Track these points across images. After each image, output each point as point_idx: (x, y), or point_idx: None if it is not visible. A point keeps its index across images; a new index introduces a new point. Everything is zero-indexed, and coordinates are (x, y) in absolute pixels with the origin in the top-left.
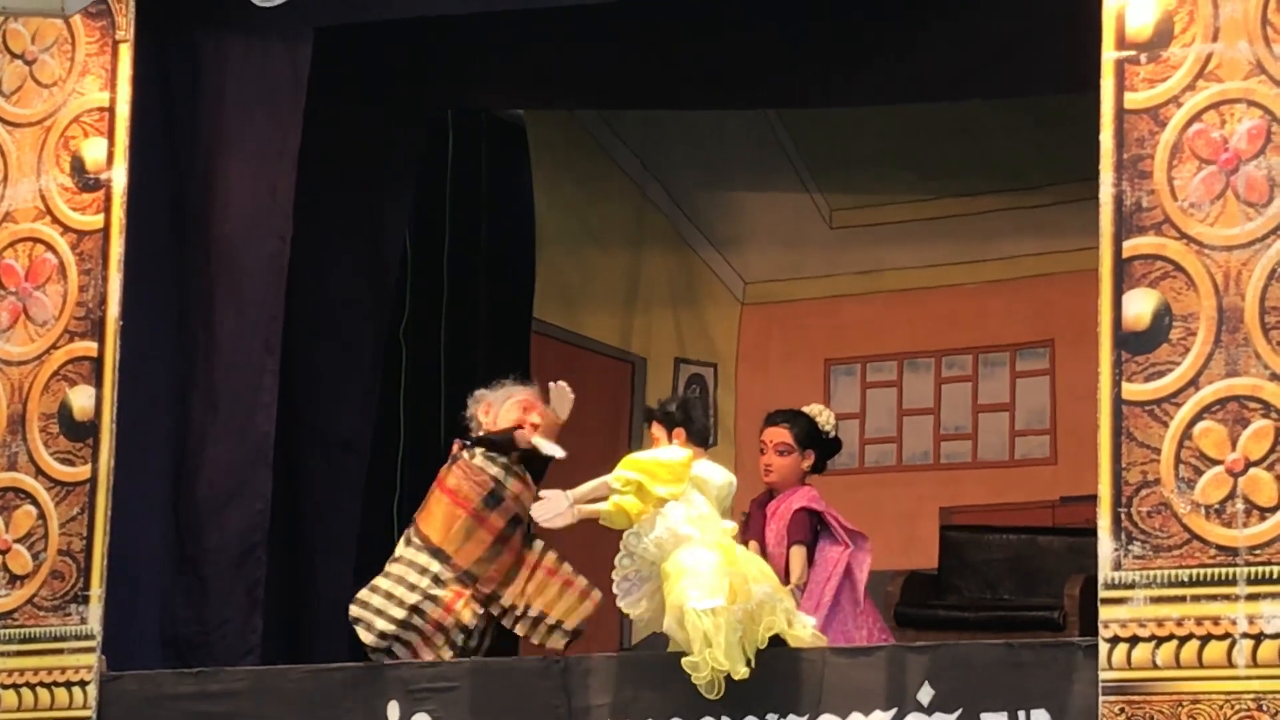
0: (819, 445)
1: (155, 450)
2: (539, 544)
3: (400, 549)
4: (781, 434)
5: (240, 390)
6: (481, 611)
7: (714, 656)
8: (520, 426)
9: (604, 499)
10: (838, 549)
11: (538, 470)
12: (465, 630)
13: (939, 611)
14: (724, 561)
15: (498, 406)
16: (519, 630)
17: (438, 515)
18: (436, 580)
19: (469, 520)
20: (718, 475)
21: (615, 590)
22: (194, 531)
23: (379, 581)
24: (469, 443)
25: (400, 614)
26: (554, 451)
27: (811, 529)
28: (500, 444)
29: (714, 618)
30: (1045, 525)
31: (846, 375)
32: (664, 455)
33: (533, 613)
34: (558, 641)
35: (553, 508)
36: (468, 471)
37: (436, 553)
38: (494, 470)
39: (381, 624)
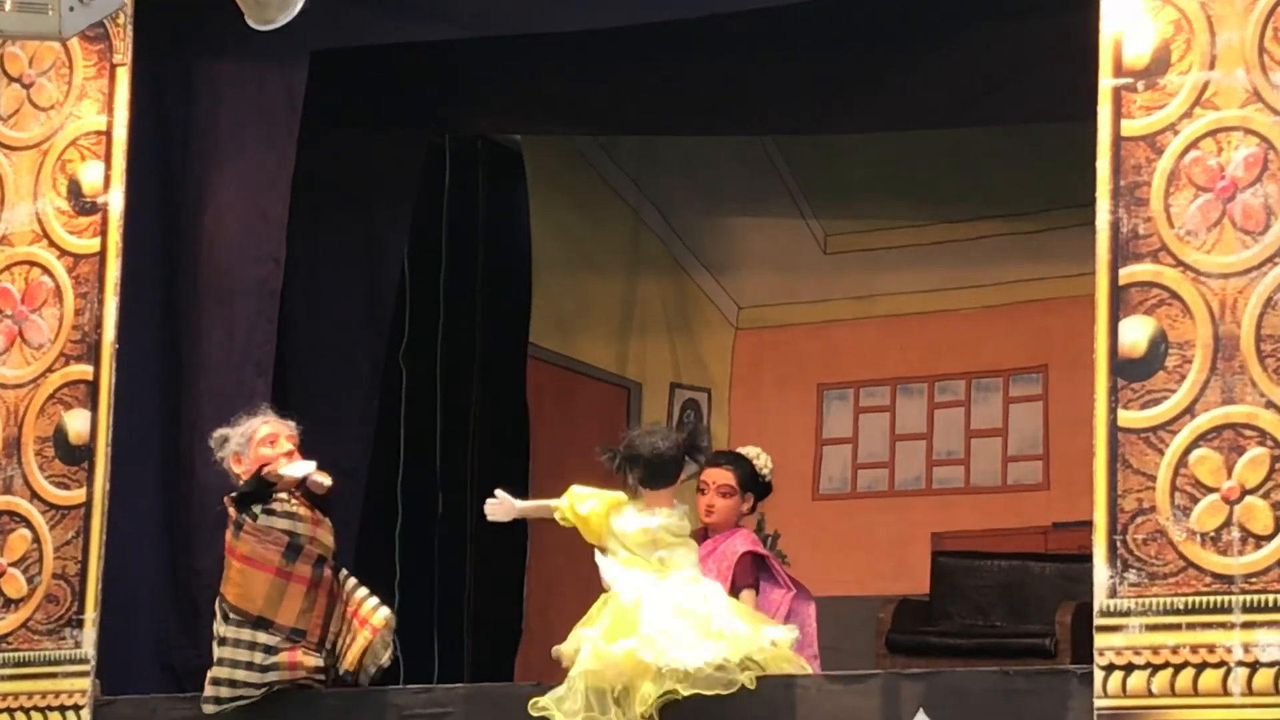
0: (757, 489)
1: (148, 473)
2: (343, 573)
3: (221, 629)
4: (725, 476)
5: (230, 413)
6: (322, 655)
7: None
8: (265, 464)
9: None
10: (780, 592)
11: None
12: (321, 670)
13: (930, 638)
14: (612, 624)
15: (245, 452)
16: (344, 668)
17: (245, 585)
18: (268, 649)
19: (276, 580)
20: (629, 525)
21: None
22: (186, 555)
23: (217, 672)
24: (236, 502)
25: (254, 693)
26: (297, 472)
27: (755, 573)
28: (258, 494)
29: (574, 683)
30: (1037, 551)
31: (839, 400)
32: (586, 507)
33: (339, 651)
34: (369, 675)
35: (503, 510)
36: (259, 535)
37: (258, 623)
38: (282, 524)
39: (244, 703)
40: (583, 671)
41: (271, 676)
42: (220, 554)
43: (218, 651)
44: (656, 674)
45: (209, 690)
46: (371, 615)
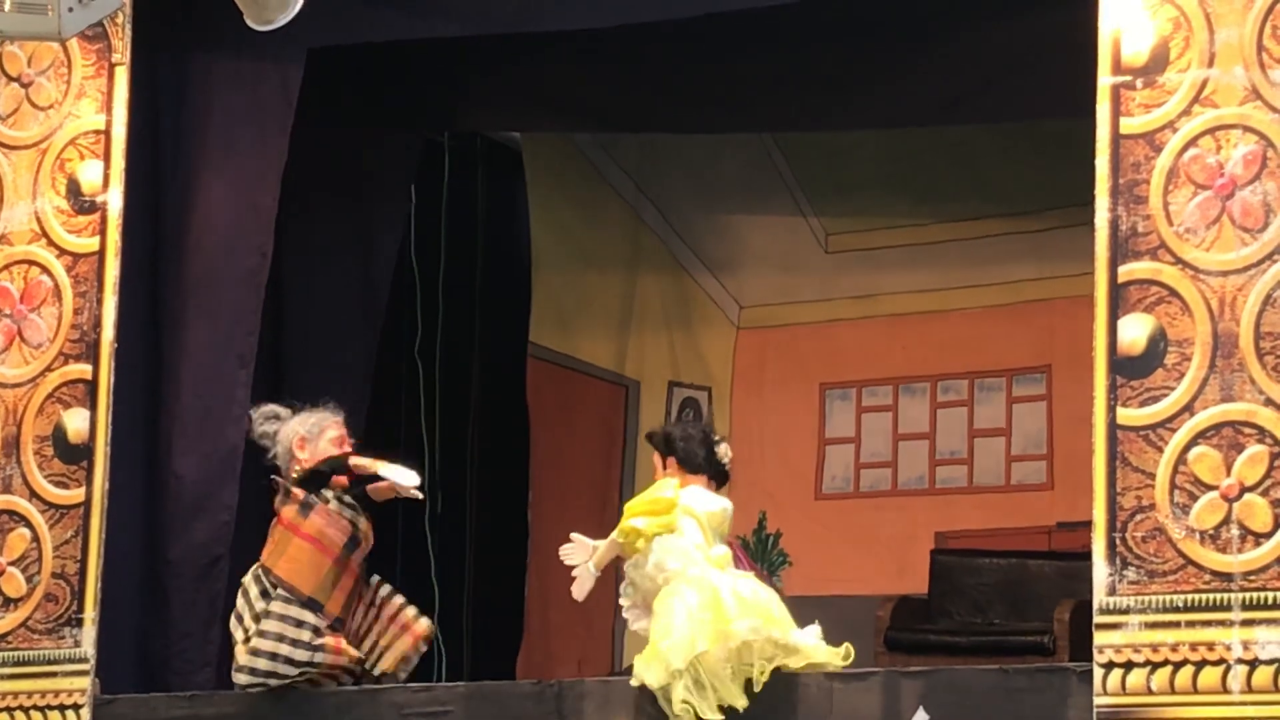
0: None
1: (132, 466)
2: (375, 579)
3: (258, 601)
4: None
5: (211, 403)
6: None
7: (697, 708)
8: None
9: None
10: None
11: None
12: (360, 663)
13: (929, 636)
14: (702, 604)
15: (314, 442)
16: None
17: (303, 563)
18: (316, 631)
19: (334, 568)
20: (708, 503)
21: (625, 616)
22: (160, 545)
23: (259, 643)
24: (306, 483)
25: (293, 672)
26: (408, 481)
27: None
28: (325, 478)
29: (694, 671)
30: (1040, 550)
31: (841, 399)
32: (651, 493)
33: (373, 651)
34: (396, 677)
35: (580, 555)
36: (329, 518)
37: (309, 603)
38: (349, 515)
39: (275, 683)
40: (703, 654)
41: (319, 657)
42: (192, 542)
43: (257, 625)
44: (778, 649)
45: (244, 660)
46: (414, 623)
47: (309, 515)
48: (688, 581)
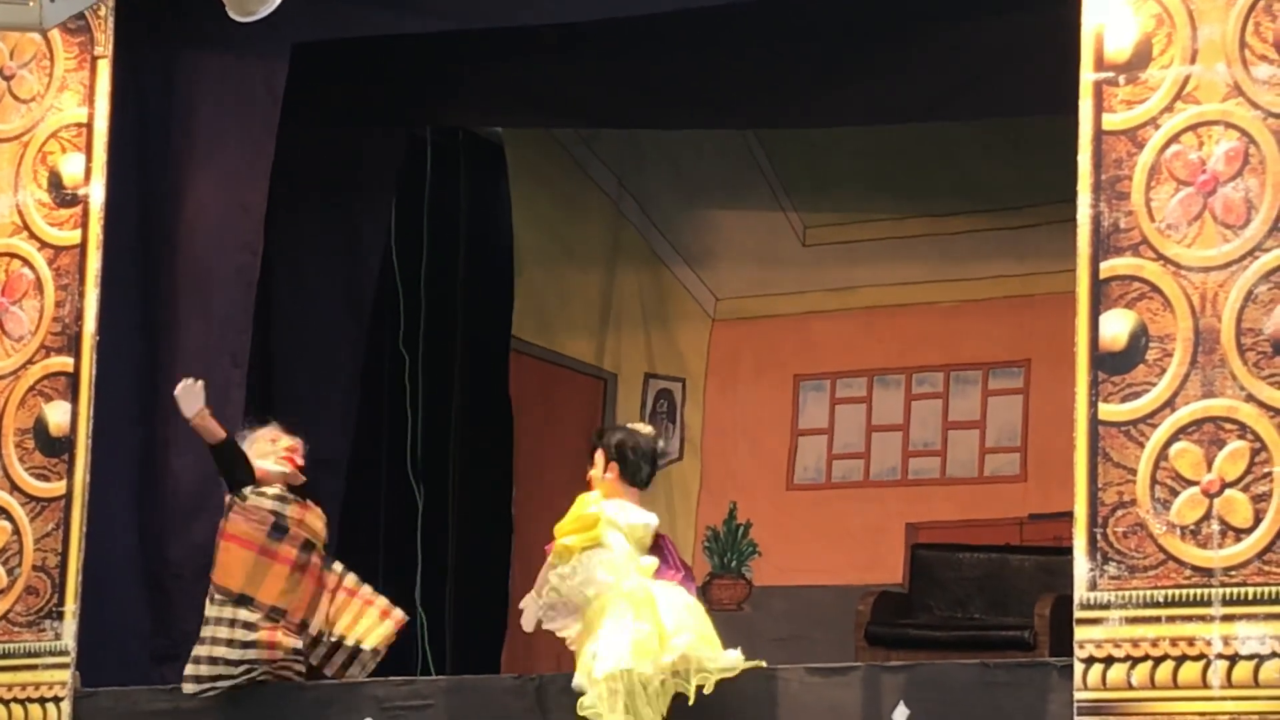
0: None
1: (124, 464)
2: (338, 566)
3: (207, 609)
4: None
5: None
6: (300, 638)
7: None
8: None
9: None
10: (671, 572)
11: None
12: (299, 651)
13: (910, 630)
14: (639, 616)
15: (250, 449)
16: (314, 661)
17: (228, 564)
18: (247, 626)
19: (259, 558)
20: (631, 516)
21: (540, 615)
22: (158, 544)
23: (198, 650)
24: (230, 488)
25: (235, 671)
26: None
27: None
28: (241, 476)
29: (612, 683)
30: (1013, 542)
31: (815, 391)
32: (576, 510)
33: (332, 637)
34: (364, 665)
35: (531, 617)
36: (244, 514)
37: (240, 600)
38: (269, 504)
39: (226, 684)
40: (627, 670)
41: (251, 654)
42: (191, 543)
43: (201, 631)
44: (699, 669)
45: (189, 669)
46: (392, 609)
47: (229, 516)
48: (623, 595)
